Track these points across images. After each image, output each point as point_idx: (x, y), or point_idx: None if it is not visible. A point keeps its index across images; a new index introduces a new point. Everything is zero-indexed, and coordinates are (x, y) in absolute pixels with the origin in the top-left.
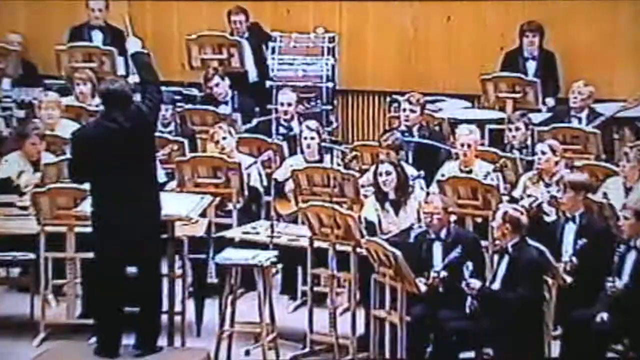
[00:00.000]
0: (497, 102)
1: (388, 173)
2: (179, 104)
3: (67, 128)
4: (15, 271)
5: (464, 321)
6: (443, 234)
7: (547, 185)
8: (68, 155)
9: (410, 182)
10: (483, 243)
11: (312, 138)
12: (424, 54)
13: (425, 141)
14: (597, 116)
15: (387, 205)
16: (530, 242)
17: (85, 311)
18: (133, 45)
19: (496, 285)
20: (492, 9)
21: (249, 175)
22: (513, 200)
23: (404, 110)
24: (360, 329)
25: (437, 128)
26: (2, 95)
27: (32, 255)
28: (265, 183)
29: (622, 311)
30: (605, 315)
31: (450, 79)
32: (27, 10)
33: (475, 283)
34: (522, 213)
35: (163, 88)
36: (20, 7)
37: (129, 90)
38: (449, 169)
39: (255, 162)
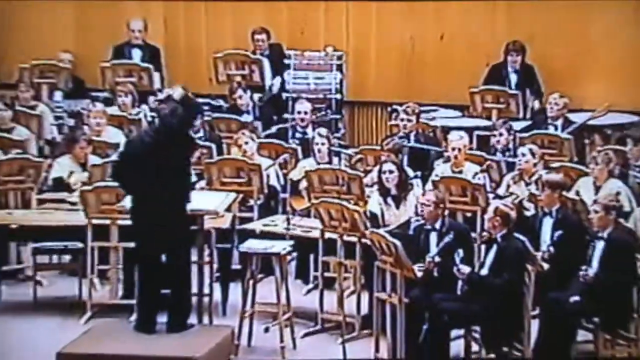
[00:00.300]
0: (484, 112)
1: (391, 171)
2: (207, 113)
3: (111, 134)
4: (66, 258)
5: (455, 303)
6: (438, 225)
7: (527, 184)
8: (112, 158)
9: (410, 181)
10: (472, 234)
11: (323, 143)
12: (420, 69)
13: (420, 145)
14: (570, 124)
15: (389, 200)
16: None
17: (126, 293)
18: (178, 92)
19: (484, 271)
20: (480, 28)
21: (268, 175)
22: (498, 197)
23: (402, 119)
24: (365, 309)
25: (431, 134)
26: (54, 106)
27: (80, 244)
28: (282, 182)
29: (593, 294)
30: (577, 298)
31: (442, 91)
32: (76, 31)
33: (465, 268)
34: (511, 209)
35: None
36: (70, 29)
37: (169, 112)
38: (443, 169)
39: (274, 164)
